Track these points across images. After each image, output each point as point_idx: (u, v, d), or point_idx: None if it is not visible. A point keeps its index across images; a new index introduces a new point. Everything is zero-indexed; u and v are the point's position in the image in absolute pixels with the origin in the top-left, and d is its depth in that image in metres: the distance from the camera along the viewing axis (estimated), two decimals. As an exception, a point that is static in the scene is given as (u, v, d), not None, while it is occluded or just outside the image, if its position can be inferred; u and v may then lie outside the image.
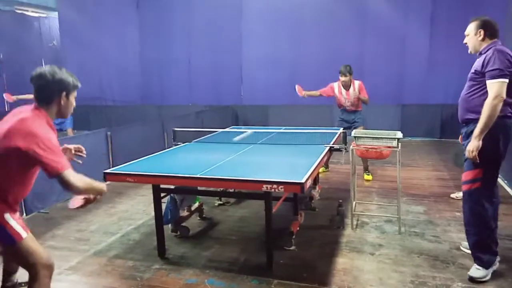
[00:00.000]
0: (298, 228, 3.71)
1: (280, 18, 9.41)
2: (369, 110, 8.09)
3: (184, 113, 8.50)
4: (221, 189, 3.58)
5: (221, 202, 4.72)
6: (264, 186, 2.78)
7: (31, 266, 2.20)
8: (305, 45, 9.34)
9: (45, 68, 2.23)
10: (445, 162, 6.62)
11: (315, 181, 4.89)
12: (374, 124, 7.51)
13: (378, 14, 8.83)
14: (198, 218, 4.29)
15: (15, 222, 2.18)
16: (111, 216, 4.53)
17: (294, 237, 3.54)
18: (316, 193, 4.70)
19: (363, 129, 5.30)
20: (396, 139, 3.77)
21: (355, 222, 4.03)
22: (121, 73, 10.82)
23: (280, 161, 3.60)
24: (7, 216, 2.16)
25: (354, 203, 4.11)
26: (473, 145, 2.74)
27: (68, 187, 2.10)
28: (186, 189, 3.55)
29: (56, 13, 11.14)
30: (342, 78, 5.62)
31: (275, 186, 2.76)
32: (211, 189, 3.55)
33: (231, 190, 3.85)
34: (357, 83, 5.68)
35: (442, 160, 6.79)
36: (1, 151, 2.09)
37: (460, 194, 4.24)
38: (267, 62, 9.66)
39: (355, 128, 5.52)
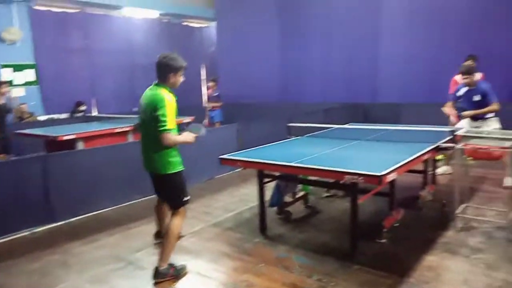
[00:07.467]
0: (393, 223, 3.78)
1: (419, 15, 8.94)
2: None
3: (317, 110, 8.87)
4: (330, 180, 3.71)
5: (329, 194, 5.01)
6: (346, 176, 3.04)
7: None
8: (443, 44, 8.68)
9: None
10: None
11: (429, 180, 4.74)
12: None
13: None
14: (304, 206, 4.70)
15: None
16: (233, 198, 5.30)
17: (385, 230, 3.64)
18: (426, 193, 4.57)
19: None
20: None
21: (461, 225, 3.85)
22: (264, 73, 11.87)
23: (375, 156, 3.73)
24: None
25: (463, 206, 3.92)
26: None
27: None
28: (286, 176, 3.98)
29: (215, 23, 12.92)
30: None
31: (355, 177, 2.99)
32: (314, 178, 3.89)
33: (329, 180, 4.00)
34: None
35: None
36: None
37: None
38: (403, 60, 9.29)
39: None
